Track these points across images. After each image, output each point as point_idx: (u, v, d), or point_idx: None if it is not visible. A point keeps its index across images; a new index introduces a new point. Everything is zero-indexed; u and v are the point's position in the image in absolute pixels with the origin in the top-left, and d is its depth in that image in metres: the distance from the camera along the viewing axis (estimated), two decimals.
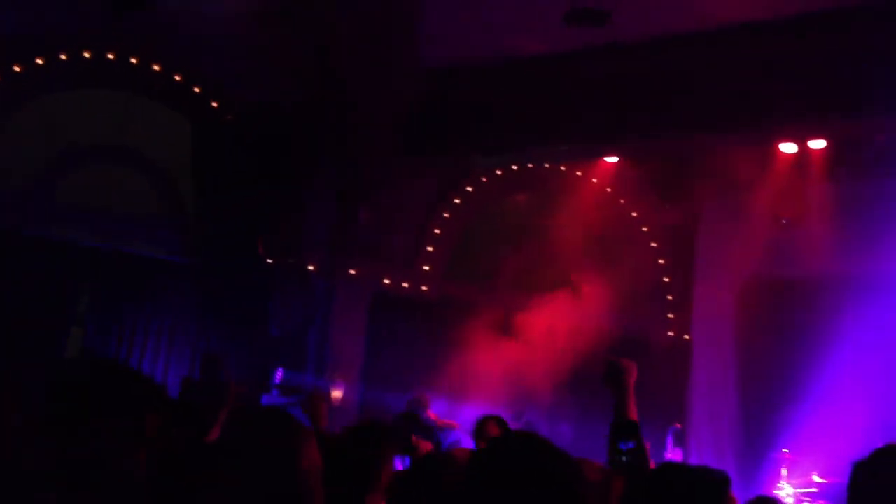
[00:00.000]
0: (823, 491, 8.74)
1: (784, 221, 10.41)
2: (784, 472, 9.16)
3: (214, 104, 10.60)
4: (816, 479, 8.78)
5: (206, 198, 10.74)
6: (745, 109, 9.23)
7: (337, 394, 10.61)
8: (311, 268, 10.89)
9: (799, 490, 8.88)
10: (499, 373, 9.90)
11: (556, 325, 10.36)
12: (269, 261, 10.72)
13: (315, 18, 9.62)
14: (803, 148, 9.95)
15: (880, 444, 2.79)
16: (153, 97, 10.54)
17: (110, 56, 10.15)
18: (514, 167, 11.68)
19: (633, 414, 3.56)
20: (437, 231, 11.68)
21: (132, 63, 10.25)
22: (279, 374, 10.17)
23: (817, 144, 9.84)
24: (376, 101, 10.56)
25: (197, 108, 10.59)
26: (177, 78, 10.45)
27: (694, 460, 9.72)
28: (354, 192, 11.02)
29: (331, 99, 10.50)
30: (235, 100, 10.60)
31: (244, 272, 10.60)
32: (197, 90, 10.55)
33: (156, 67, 10.35)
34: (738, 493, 3.85)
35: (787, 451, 9.29)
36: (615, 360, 3.68)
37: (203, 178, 10.69)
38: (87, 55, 10.06)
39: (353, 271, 11.01)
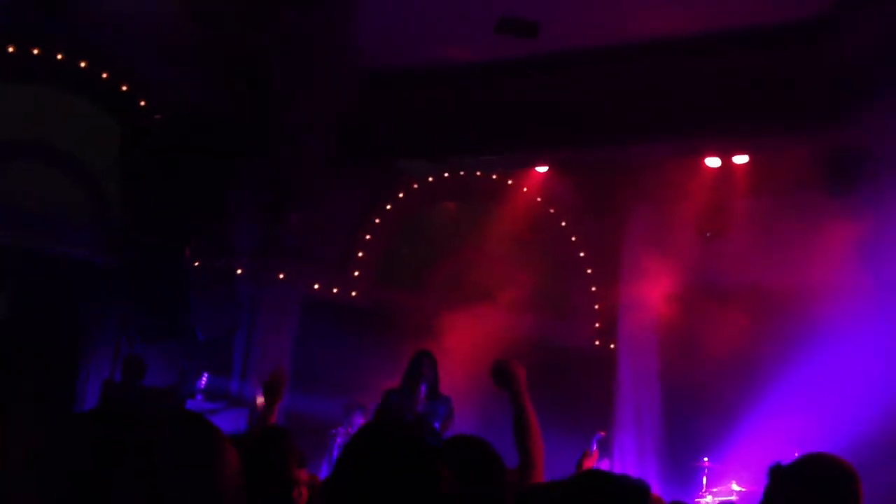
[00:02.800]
0: (742, 499, 8.93)
1: (708, 234, 10.64)
2: (704, 480, 9.34)
3: (142, 103, 10.41)
4: (735, 487, 8.97)
5: (133, 198, 10.54)
6: (671, 123, 9.44)
7: (262, 399, 10.48)
8: (238, 271, 10.77)
9: (718, 499, 9.05)
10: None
11: (485, 332, 10.41)
12: (196, 263, 10.56)
13: (247, 21, 9.52)
14: (727, 162, 10.20)
15: (797, 453, 2.87)
16: (79, 94, 10.30)
17: (35, 51, 9.91)
18: (446, 174, 11.72)
19: (532, 412, 3.65)
20: (368, 236, 11.65)
21: (58, 59, 10.01)
22: (204, 379, 10.02)
23: (740, 159, 10.10)
24: (308, 106, 10.50)
25: (124, 107, 10.39)
26: (104, 75, 10.24)
27: (618, 468, 9.85)
28: (285, 196, 10.93)
29: (262, 102, 10.41)
30: (165, 99, 10.43)
31: (170, 274, 10.42)
32: (125, 88, 10.35)
33: (82, 64, 10.13)
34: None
35: (707, 459, 9.47)
36: (501, 360, 3.79)
37: (129, 177, 10.48)
38: (11, 49, 9.79)
39: (281, 275, 10.92)
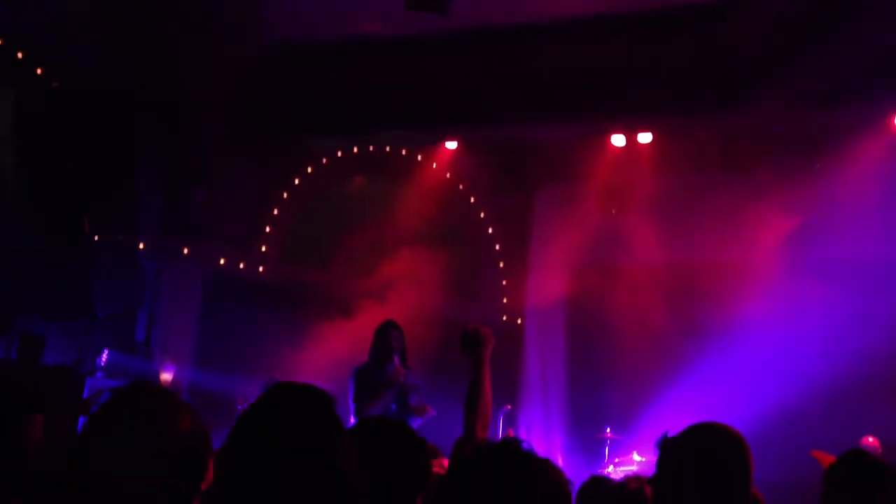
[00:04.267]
0: (643, 469, 9.16)
1: (613, 212, 10.83)
2: (607, 451, 9.57)
3: (39, 71, 10.01)
4: (636, 457, 9.21)
5: (29, 170, 10.15)
6: (577, 100, 9.57)
7: (166, 376, 10.31)
8: (140, 246, 10.52)
9: (620, 468, 9.28)
10: (334, 355, 9.87)
11: (393, 307, 10.41)
12: (96, 237, 10.27)
13: None
14: (633, 142, 10.39)
15: (692, 423, 2.94)
16: None
17: None
18: (355, 149, 11.64)
19: (488, 382, 3.59)
20: (275, 212, 11.50)
21: None
22: (105, 356, 9.77)
23: (645, 138, 10.30)
24: (214, 78, 10.28)
25: (19, 74, 9.97)
26: None
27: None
28: (189, 171, 10.71)
29: (166, 74, 10.13)
30: (64, 68, 10.04)
31: (68, 249, 10.10)
32: (20, 55, 9.92)
33: None
34: (569, 472, 3.98)
35: (609, 430, 9.70)
36: (474, 326, 3.69)
37: (25, 149, 10.09)
38: None
39: (185, 251, 10.71)
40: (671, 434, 2.83)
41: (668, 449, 2.81)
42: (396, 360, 6.96)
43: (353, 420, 6.76)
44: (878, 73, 8.38)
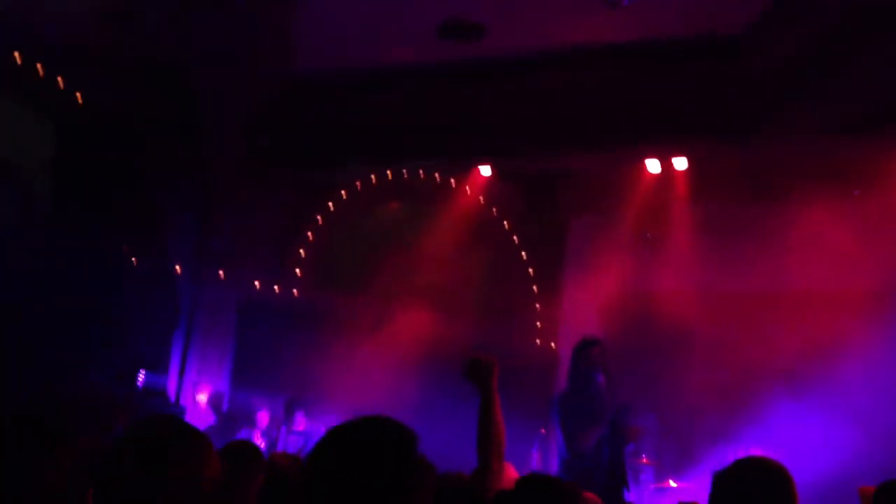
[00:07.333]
0: (678, 494, 9.07)
1: (648, 237, 10.79)
2: (641, 478, 9.49)
3: (80, 101, 10.13)
4: (672, 484, 9.12)
5: (66, 197, 10.29)
6: (610, 127, 9.58)
7: (202, 398, 10.40)
8: (177, 270, 10.65)
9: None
10: (368, 379, 9.90)
11: (427, 332, 10.43)
12: (133, 261, 10.40)
13: (169, 24, 9.25)
14: (668, 167, 10.37)
15: (731, 454, 2.95)
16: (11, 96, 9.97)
17: None
18: (388, 174, 11.71)
19: (498, 410, 3.57)
20: (309, 235, 11.59)
21: None
22: (141, 377, 9.89)
23: (680, 164, 10.27)
24: (235, 106, 10.38)
25: (60, 104, 10.09)
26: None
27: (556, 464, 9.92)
28: (214, 201, 10.83)
29: (188, 102, 10.23)
30: (98, 100, 10.10)
31: (106, 273, 10.22)
32: (62, 84, 10.05)
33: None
34: None
35: (645, 457, 9.61)
36: (477, 355, 3.69)
37: (63, 177, 10.23)
38: None
39: (221, 274, 10.82)
40: (721, 470, 2.87)
41: (717, 483, 2.84)
42: (602, 379, 6.15)
43: (564, 453, 6.18)
44: None
